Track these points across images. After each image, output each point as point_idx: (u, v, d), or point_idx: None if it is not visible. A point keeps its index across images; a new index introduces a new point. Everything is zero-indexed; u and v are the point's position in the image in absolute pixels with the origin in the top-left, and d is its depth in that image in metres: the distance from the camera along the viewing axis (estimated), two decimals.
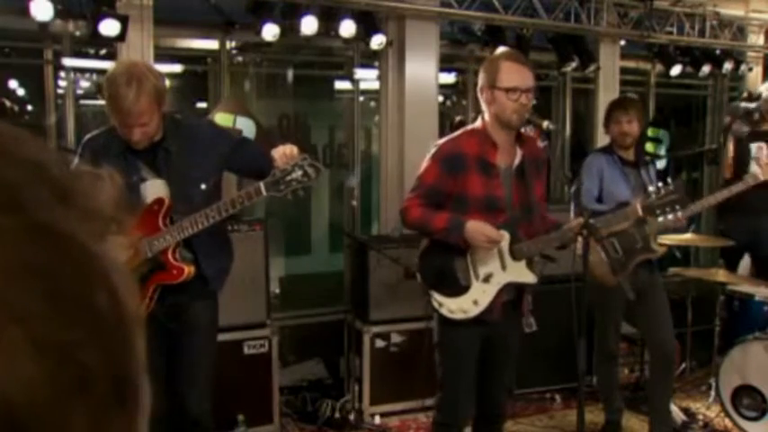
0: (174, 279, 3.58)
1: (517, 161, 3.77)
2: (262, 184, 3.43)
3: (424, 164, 3.80)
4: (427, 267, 3.83)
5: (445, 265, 3.75)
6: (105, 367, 0.49)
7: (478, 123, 3.81)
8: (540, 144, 4.62)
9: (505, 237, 3.72)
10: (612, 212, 4.04)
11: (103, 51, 5.91)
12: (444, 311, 3.74)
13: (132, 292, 0.54)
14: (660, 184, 3.87)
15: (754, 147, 6.44)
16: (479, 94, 3.78)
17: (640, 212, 3.86)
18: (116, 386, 0.50)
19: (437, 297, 3.75)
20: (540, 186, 3.93)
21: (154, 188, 3.59)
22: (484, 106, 3.75)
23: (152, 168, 3.61)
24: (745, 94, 7.31)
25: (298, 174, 3.40)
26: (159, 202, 3.55)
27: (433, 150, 3.80)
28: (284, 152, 3.47)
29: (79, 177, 0.55)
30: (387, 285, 5.51)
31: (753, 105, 5.95)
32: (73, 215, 0.51)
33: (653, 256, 4.85)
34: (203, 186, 3.63)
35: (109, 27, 5.04)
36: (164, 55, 5.81)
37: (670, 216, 3.88)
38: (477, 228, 3.64)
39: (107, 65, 5.77)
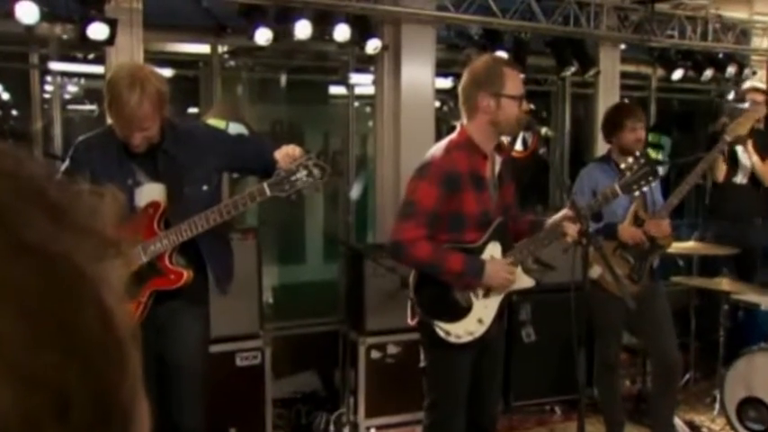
0: (171, 284, 3.55)
1: (498, 168, 3.75)
2: (266, 185, 3.42)
3: (418, 185, 3.60)
4: (425, 298, 3.68)
5: (442, 290, 3.64)
6: (86, 391, 0.48)
7: (458, 134, 3.70)
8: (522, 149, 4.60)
9: (497, 247, 3.70)
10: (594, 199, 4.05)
11: (92, 56, 5.89)
12: (453, 339, 3.62)
13: (128, 314, 0.54)
14: (630, 159, 3.87)
15: (739, 149, 6.45)
16: (472, 102, 3.64)
17: (619, 191, 3.82)
18: (99, 410, 0.49)
19: (443, 326, 3.61)
20: (512, 187, 3.89)
21: (150, 192, 3.57)
22: (475, 115, 3.63)
23: (150, 172, 3.60)
24: (731, 96, 7.32)
25: (302, 174, 3.40)
26: (154, 205, 3.53)
27: (425, 169, 3.62)
28: (287, 152, 3.47)
29: (78, 197, 0.54)
30: (383, 295, 5.48)
31: (746, 105, 5.96)
32: (67, 235, 0.50)
33: (663, 250, 4.91)
34: (205, 188, 3.63)
35: (97, 31, 5.02)
36: (154, 59, 5.74)
37: (645, 189, 3.89)
38: (497, 269, 3.60)
39: (95, 69, 5.77)
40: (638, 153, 3.94)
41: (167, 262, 3.55)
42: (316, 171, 3.42)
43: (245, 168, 4.05)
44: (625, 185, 3.81)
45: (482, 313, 3.68)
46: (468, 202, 3.59)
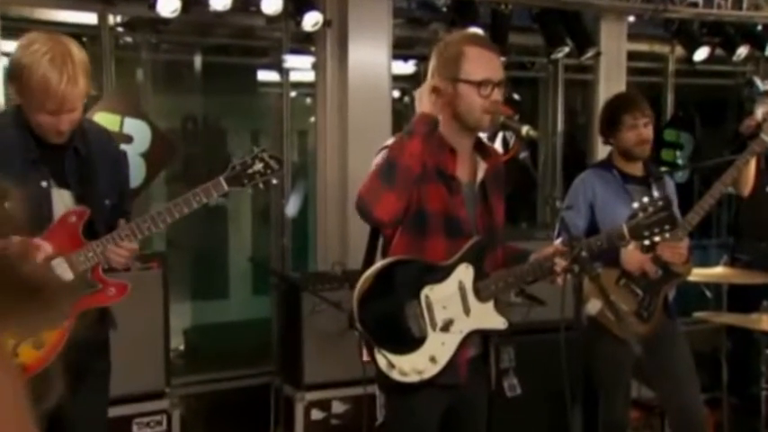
0: (113, 300, 3.70)
1: (480, 176, 3.76)
2: (222, 179, 3.69)
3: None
4: (370, 315, 3.61)
5: (393, 310, 3.61)
6: None
7: None
8: (501, 152, 4.58)
9: (469, 271, 3.65)
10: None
11: None
12: (395, 375, 3.56)
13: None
14: (646, 199, 3.86)
15: None
16: (428, 92, 3.62)
17: (627, 235, 3.82)
18: None
19: (386, 356, 3.57)
20: (501, 207, 3.91)
21: (61, 198, 3.65)
22: (436, 106, 3.63)
23: (55, 174, 3.64)
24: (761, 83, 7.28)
25: (259, 166, 3.76)
26: (78, 213, 3.59)
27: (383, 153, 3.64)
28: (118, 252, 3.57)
29: None
30: (326, 338, 5.54)
31: None
32: None
33: (681, 280, 4.91)
34: (107, 202, 3.74)
35: None
36: (16, 29, 5.56)
37: (657, 238, 3.87)
38: None
39: None
40: (657, 194, 3.90)
41: (102, 274, 3.64)
42: (272, 162, 3.79)
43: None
44: (635, 229, 3.82)
45: (437, 350, 3.63)
46: (431, 197, 3.62)
